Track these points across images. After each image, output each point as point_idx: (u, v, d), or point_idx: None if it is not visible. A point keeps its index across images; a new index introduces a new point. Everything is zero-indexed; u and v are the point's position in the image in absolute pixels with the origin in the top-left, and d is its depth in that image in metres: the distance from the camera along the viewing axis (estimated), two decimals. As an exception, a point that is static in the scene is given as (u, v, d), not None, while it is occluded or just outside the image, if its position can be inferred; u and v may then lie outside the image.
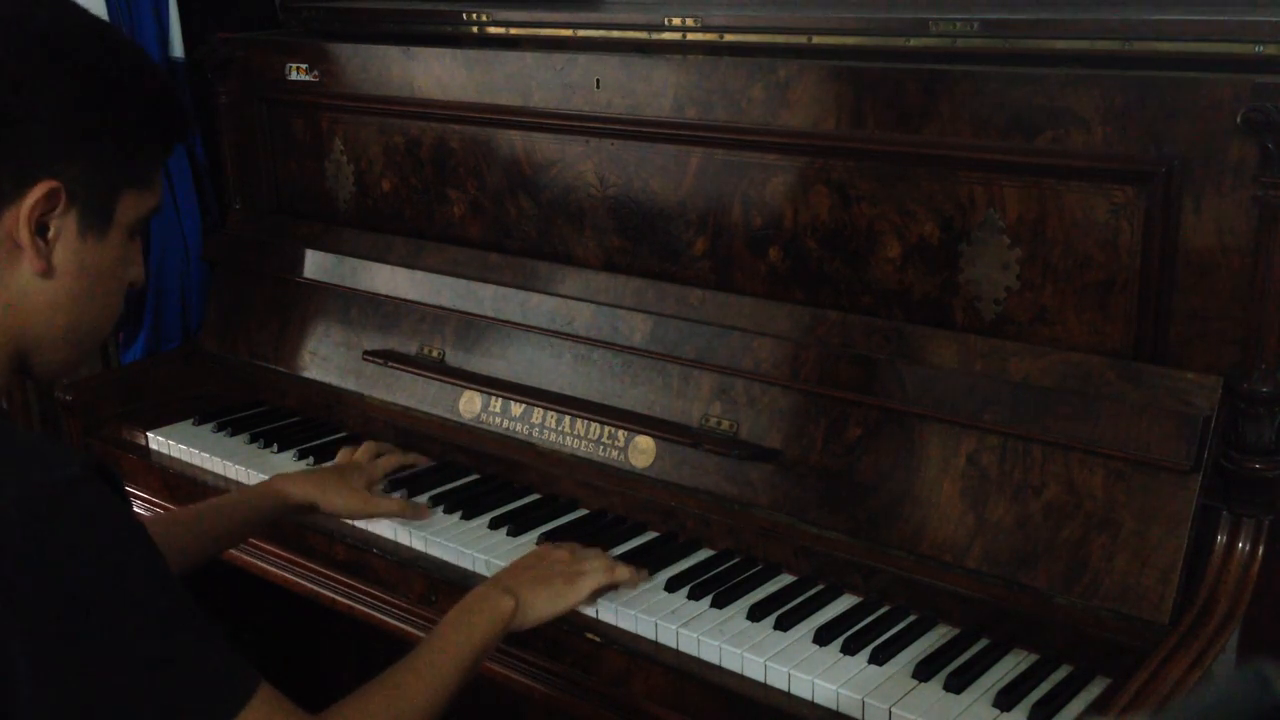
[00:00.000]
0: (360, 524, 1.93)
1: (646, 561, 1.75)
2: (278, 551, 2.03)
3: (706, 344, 1.87)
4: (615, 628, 1.65)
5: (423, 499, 1.96)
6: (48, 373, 1.25)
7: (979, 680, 1.49)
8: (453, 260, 2.21)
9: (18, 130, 1.12)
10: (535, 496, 2.00)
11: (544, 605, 1.57)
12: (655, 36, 2.04)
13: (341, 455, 2.03)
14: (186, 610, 1.09)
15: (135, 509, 1.21)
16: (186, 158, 2.67)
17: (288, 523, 1.93)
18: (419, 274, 2.23)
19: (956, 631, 1.59)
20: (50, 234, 1.16)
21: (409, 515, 1.92)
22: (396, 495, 1.97)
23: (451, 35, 2.33)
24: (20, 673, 1.01)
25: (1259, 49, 1.54)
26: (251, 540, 1.99)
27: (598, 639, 1.64)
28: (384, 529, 1.92)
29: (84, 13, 1.21)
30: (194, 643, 1.09)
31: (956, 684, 1.48)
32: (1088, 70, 1.57)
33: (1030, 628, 1.56)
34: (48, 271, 1.17)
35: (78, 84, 1.16)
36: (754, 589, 1.70)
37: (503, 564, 1.76)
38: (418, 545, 1.88)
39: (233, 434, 2.29)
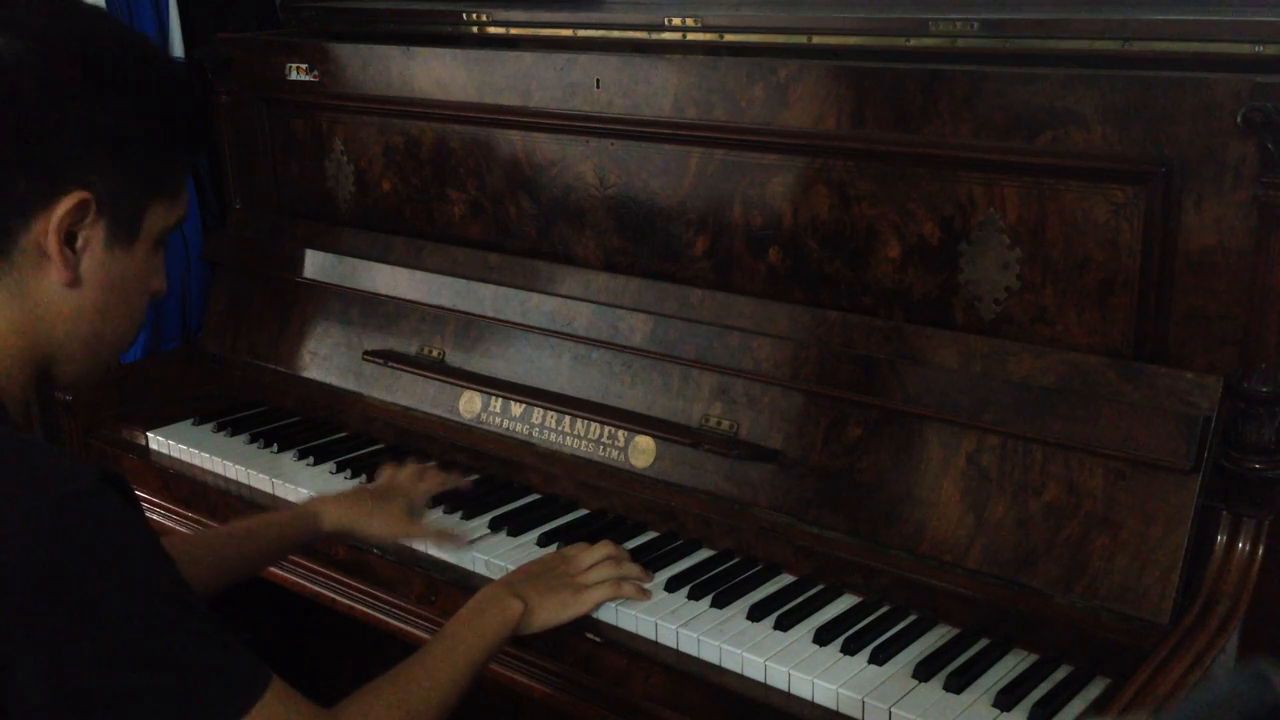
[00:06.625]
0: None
1: (647, 561, 1.75)
2: (278, 551, 2.02)
3: (706, 344, 1.87)
4: (615, 628, 1.65)
5: (424, 500, 1.96)
6: (69, 382, 1.25)
7: (979, 680, 1.49)
8: (453, 260, 2.21)
9: (50, 141, 1.12)
10: (535, 496, 2.00)
11: (550, 613, 1.59)
12: (655, 36, 2.04)
13: (384, 474, 1.92)
14: (198, 613, 1.10)
15: (150, 518, 1.22)
16: (187, 158, 2.66)
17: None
18: (419, 274, 2.23)
19: (956, 631, 1.59)
20: (78, 244, 1.15)
21: (448, 540, 1.84)
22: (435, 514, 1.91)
23: (451, 35, 2.33)
24: (33, 679, 1.02)
25: (1259, 49, 1.54)
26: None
27: (598, 639, 1.64)
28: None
29: (118, 23, 1.21)
30: (205, 643, 1.10)
31: (956, 684, 1.48)
32: (1088, 70, 1.57)
33: (1030, 628, 1.56)
34: (74, 281, 1.16)
35: (111, 95, 1.15)
36: (754, 589, 1.70)
37: (502, 564, 1.77)
38: (418, 545, 1.88)
39: (233, 434, 2.29)
